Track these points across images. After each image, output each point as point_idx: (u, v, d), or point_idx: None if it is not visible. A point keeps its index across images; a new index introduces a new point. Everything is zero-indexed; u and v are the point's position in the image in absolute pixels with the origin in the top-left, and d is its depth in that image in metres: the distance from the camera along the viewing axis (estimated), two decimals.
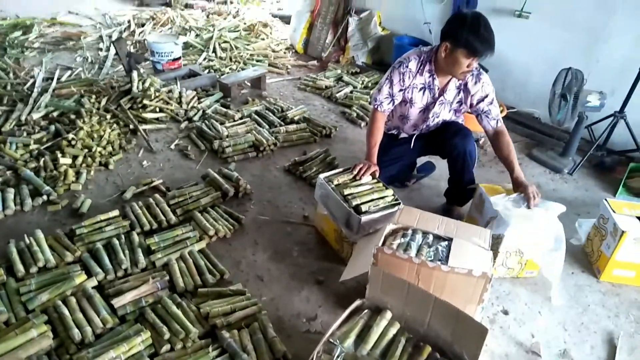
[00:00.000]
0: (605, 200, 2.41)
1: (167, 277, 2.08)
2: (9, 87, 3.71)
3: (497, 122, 2.48)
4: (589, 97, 3.15)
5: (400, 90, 2.46)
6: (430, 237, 2.00)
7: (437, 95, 2.49)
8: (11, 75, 3.95)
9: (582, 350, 1.98)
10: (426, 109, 2.55)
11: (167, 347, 1.78)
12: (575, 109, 3.18)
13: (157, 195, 2.62)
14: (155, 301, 1.97)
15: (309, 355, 1.54)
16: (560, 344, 2.00)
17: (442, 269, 1.71)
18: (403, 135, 2.70)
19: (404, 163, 2.81)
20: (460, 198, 2.69)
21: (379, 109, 2.49)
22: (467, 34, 2.17)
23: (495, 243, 2.18)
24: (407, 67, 2.40)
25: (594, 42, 3.54)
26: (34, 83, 3.80)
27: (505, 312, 2.14)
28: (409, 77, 2.42)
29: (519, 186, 2.32)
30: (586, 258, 2.52)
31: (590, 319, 2.14)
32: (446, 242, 1.96)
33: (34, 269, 2.05)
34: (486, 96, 2.46)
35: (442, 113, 2.57)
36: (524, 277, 2.35)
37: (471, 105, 2.52)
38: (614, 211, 2.32)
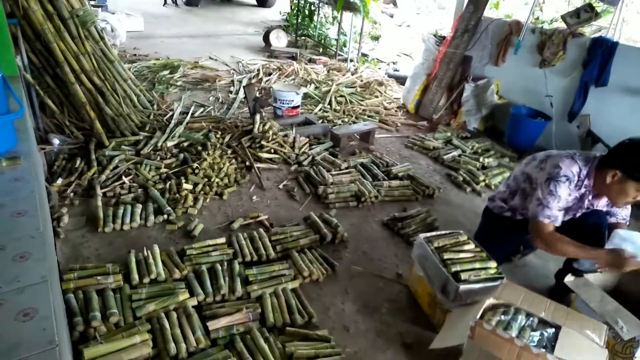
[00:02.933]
0: None
1: (259, 310, 2.16)
2: (151, 117, 4.25)
3: (622, 220, 2.42)
4: None
5: (568, 201, 2.27)
6: (535, 320, 1.86)
7: (585, 206, 2.33)
8: (155, 107, 4.53)
9: None
10: (566, 211, 2.36)
11: None
12: None
13: (261, 230, 2.77)
14: (245, 331, 2.04)
15: None
16: None
17: (549, 359, 1.56)
18: (519, 217, 2.51)
19: (518, 243, 2.67)
20: None
21: (555, 223, 2.22)
22: None
23: (629, 346, 1.94)
24: (573, 182, 2.20)
25: None
26: (172, 115, 4.32)
27: None
28: (573, 190, 2.24)
29: None
30: None
31: None
32: (553, 330, 1.80)
33: (146, 280, 2.26)
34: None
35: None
36: None
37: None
38: None
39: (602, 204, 2.34)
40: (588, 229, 2.32)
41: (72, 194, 2.93)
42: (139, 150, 3.54)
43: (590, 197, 2.27)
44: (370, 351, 2.09)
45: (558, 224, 2.21)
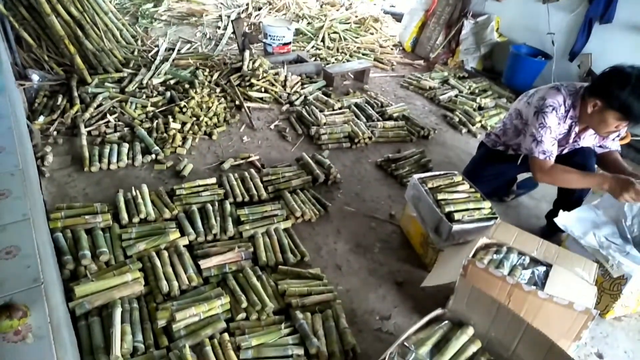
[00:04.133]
0: None
1: (252, 249, 2.14)
2: (135, 53, 4.05)
3: (615, 149, 2.38)
4: None
5: (559, 132, 2.23)
6: (527, 259, 1.87)
7: (572, 140, 2.31)
8: (139, 42, 4.31)
9: None
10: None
11: (242, 315, 1.83)
12: None
13: (252, 170, 2.71)
14: (237, 269, 2.03)
15: (377, 354, 1.51)
16: None
17: (539, 295, 1.57)
18: (511, 152, 2.53)
19: (506, 178, 2.66)
20: None
21: (550, 158, 2.19)
22: (628, 96, 1.90)
23: (617, 283, 1.97)
24: (559, 112, 2.14)
25: None
26: (157, 52, 4.11)
27: (600, 356, 1.93)
28: (561, 120, 2.19)
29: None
30: None
31: None
32: (544, 268, 1.82)
33: (136, 219, 2.22)
34: (618, 135, 2.29)
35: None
36: (636, 313, 2.15)
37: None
38: None
39: (589, 136, 2.31)
40: (573, 167, 2.29)
41: (55, 133, 2.82)
42: (124, 88, 3.39)
43: (576, 130, 2.24)
44: (362, 289, 2.11)
45: (553, 158, 2.20)
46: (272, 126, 3.35)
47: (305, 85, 3.93)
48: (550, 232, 2.54)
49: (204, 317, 1.77)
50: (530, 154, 2.24)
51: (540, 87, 2.28)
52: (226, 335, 1.72)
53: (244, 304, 1.84)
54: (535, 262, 1.86)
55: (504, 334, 1.48)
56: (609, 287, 2.01)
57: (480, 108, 4.00)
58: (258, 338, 1.71)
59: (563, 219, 2.13)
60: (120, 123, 3.00)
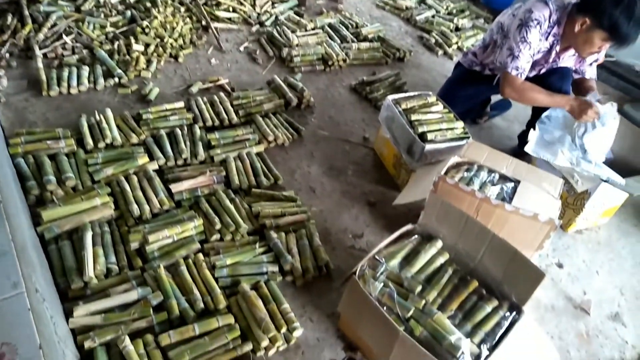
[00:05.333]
0: None
1: (224, 173, 2.11)
2: None
3: (589, 77, 2.38)
4: None
5: (538, 50, 2.17)
6: (496, 176, 1.90)
7: (551, 59, 2.26)
8: None
9: (637, 318, 1.87)
10: (532, 66, 2.30)
11: (217, 236, 1.84)
12: None
13: (221, 94, 2.61)
14: (210, 193, 2.01)
15: (350, 269, 1.56)
16: (613, 306, 1.91)
17: (506, 208, 1.62)
18: (487, 73, 2.49)
19: (480, 99, 2.65)
20: None
21: (522, 76, 2.16)
22: (619, 15, 1.85)
23: (580, 198, 2.04)
24: (543, 27, 2.08)
25: None
26: None
27: (560, 265, 2.05)
28: (543, 37, 2.12)
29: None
30: None
31: None
32: (512, 184, 1.86)
33: (101, 144, 2.14)
34: (596, 60, 2.25)
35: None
36: (597, 226, 2.26)
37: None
38: None
39: (568, 57, 2.29)
40: (549, 87, 2.29)
41: (7, 55, 2.61)
42: (79, 7, 3.12)
43: (557, 49, 2.21)
44: (336, 209, 2.13)
45: (524, 76, 2.19)
46: (241, 48, 3.19)
47: (276, 5, 3.72)
48: (522, 152, 2.58)
49: (177, 239, 1.78)
50: (503, 68, 2.21)
51: (527, 1, 2.20)
52: (201, 256, 1.73)
53: (218, 226, 1.85)
54: (504, 178, 1.90)
55: (471, 245, 1.54)
56: (573, 202, 2.09)
57: (457, 29, 3.90)
58: (233, 257, 1.74)
59: (531, 147, 2.15)
60: (77, 45, 2.80)
